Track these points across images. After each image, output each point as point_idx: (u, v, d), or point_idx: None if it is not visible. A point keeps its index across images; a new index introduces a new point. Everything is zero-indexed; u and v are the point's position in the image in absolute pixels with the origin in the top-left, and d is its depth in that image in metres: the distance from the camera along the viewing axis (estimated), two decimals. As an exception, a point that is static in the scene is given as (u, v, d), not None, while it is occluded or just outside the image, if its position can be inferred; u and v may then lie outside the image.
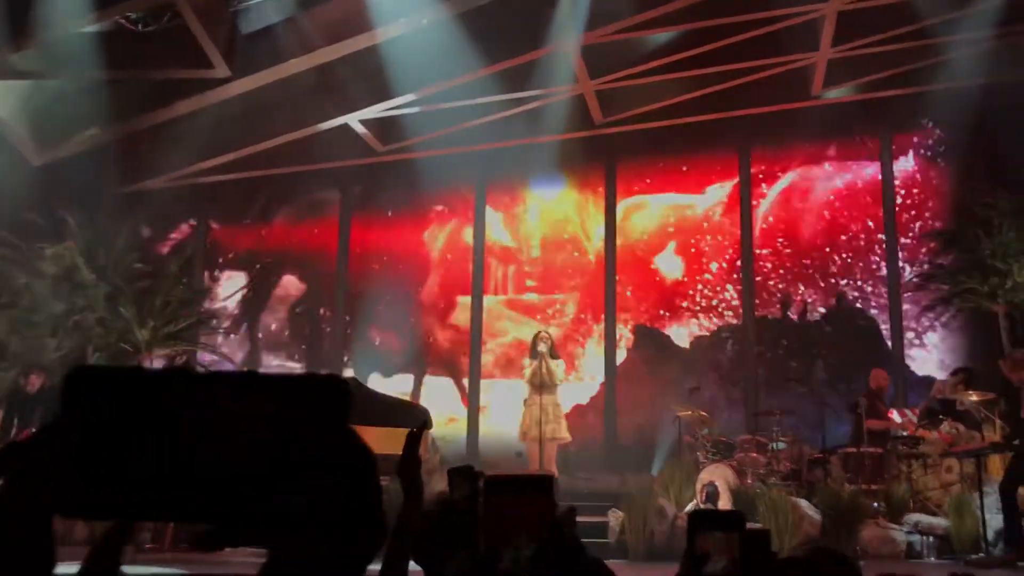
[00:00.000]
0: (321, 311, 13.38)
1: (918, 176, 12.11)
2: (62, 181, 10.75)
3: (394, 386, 12.57)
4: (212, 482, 0.69)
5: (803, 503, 8.33)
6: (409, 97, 10.94)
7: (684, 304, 12.48)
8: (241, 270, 13.73)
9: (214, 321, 12.30)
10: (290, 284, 13.65)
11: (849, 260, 12.10)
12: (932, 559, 7.98)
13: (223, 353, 12.60)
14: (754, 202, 12.43)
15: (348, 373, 12.25)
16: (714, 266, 12.50)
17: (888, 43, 10.56)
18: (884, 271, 11.88)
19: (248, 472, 0.70)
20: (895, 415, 9.61)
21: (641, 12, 9.91)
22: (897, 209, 11.95)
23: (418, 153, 12.14)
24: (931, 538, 8.14)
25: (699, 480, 8.75)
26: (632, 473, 10.00)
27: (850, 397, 9.52)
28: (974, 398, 8.87)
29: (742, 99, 11.50)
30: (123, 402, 0.71)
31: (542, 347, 8.57)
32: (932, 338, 11.58)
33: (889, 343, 11.61)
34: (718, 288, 12.43)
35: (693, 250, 12.59)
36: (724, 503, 8.28)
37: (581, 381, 12.30)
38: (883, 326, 11.77)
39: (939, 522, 8.21)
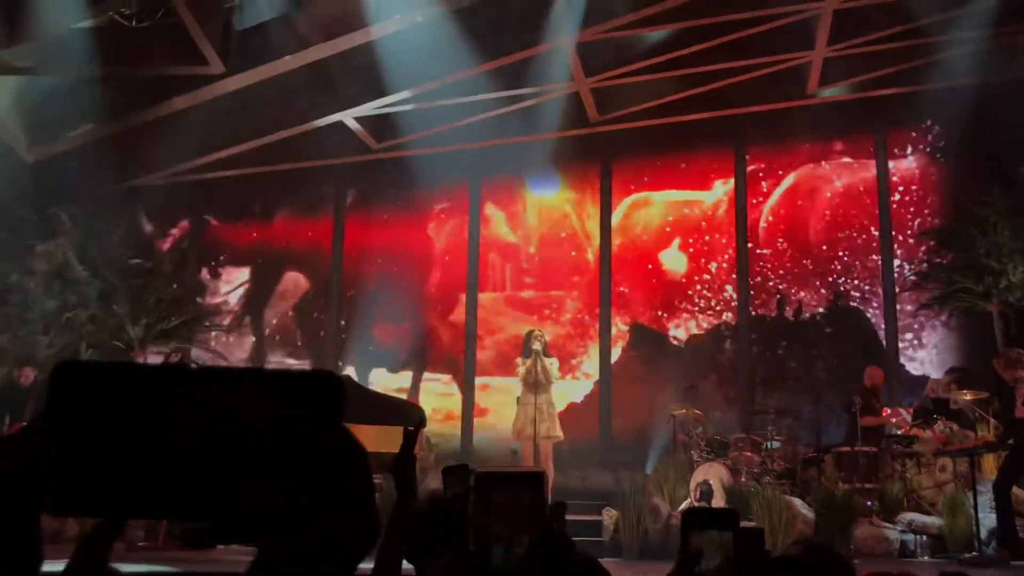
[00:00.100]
0: (323, 308, 13.35)
1: (913, 175, 12.12)
2: (55, 178, 10.71)
3: (395, 383, 12.58)
4: (203, 479, 0.68)
5: (797, 502, 8.34)
6: (404, 94, 10.92)
7: (681, 302, 12.48)
8: (242, 267, 13.71)
9: (208, 319, 12.25)
10: (292, 281, 13.62)
11: (845, 258, 12.11)
12: (925, 558, 8.00)
13: (217, 351, 12.57)
14: (755, 200, 12.43)
15: (349, 370, 12.24)
16: (713, 266, 12.50)
17: (884, 42, 10.57)
18: (880, 270, 11.89)
19: (239, 469, 0.68)
20: (889, 414, 9.62)
21: (637, 10, 9.90)
22: (893, 208, 11.96)
23: (413, 151, 12.13)
24: (924, 537, 8.16)
25: (693, 479, 8.76)
26: (626, 471, 10.00)
27: (845, 396, 9.52)
28: (968, 397, 8.89)
29: (738, 97, 11.50)
30: (110, 398, 0.70)
31: (536, 345, 8.54)
32: (927, 337, 11.59)
33: (884, 342, 11.62)
34: (716, 286, 12.44)
35: (691, 249, 12.60)
36: (718, 502, 8.28)
37: (576, 379, 12.30)
38: (878, 325, 11.78)
39: (933, 521, 8.22)
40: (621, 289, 12.64)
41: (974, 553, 7.46)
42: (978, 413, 8.93)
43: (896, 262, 11.82)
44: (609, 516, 8.62)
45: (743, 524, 1.51)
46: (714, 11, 10.00)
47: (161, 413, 0.70)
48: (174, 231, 13.49)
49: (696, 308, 12.41)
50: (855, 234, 12.13)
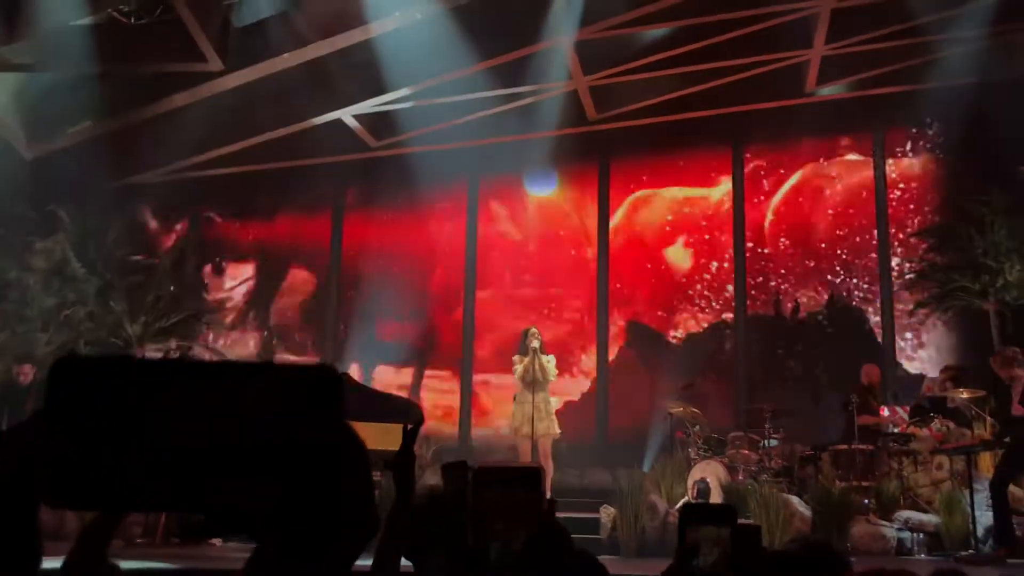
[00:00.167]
0: (327, 305, 13.34)
1: (912, 174, 12.13)
2: (54, 175, 10.70)
3: (398, 380, 12.59)
4: (200, 471, 0.69)
5: (794, 500, 8.35)
6: (403, 92, 10.91)
7: (679, 301, 12.49)
8: (245, 264, 13.71)
9: (208, 316, 12.22)
10: (296, 278, 13.63)
11: (843, 257, 12.12)
12: (922, 556, 8.01)
13: (215, 349, 12.56)
14: (752, 199, 12.43)
15: (353, 367, 12.23)
16: (711, 264, 12.51)
17: (882, 40, 10.57)
18: (877, 268, 11.90)
19: (237, 461, 0.69)
20: (886, 412, 9.63)
21: (635, 8, 9.90)
22: (890, 207, 11.97)
23: (412, 148, 12.12)
24: (921, 535, 8.18)
25: (691, 476, 8.77)
26: (624, 469, 10.01)
27: (842, 394, 9.54)
28: (964, 396, 8.91)
29: (736, 96, 11.50)
30: (109, 391, 0.70)
31: (534, 343, 8.53)
32: (924, 336, 11.61)
33: (881, 340, 11.64)
34: (714, 285, 12.45)
35: (690, 248, 12.61)
36: (715, 499, 8.29)
37: (574, 377, 12.31)
38: (876, 323, 11.80)
39: (929, 519, 8.24)
40: (619, 287, 12.65)
41: (971, 551, 7.48)
42: (975, 411, 8.95)
43: (894, 261, 11.84)
44: (607, 514, 8.62)
45: (740, 521, 1.52)
46: (712, 9, 10.01)
47: (160, 406, 0.70)
48: (177, 228, 13.48)
49: (694, 306, 12.42)
50: (853, 233, 12.14)
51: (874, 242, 11.93)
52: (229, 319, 13.15)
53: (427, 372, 12.89)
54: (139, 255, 11.33)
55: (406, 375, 12.83)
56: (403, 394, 11.85)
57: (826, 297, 12.09)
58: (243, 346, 13.25)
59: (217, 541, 8.44)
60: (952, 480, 8.57)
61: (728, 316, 12.25)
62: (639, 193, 12.98)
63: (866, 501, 8.53)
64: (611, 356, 12.44)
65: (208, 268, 13.45)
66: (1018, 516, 7.66)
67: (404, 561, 1.98)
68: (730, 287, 12.29)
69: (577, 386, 12.31)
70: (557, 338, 11.87)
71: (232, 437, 0.70)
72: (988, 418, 8.80)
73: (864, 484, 8.72)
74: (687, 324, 12.41)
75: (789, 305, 12.19)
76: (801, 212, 12.43)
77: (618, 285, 12.63)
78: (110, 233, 10.92)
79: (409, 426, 1.93)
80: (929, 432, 9.14)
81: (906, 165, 12.15)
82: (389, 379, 12.61)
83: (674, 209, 12.81)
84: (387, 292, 12.44)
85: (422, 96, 11.08)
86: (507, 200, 13.27)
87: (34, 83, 10.53)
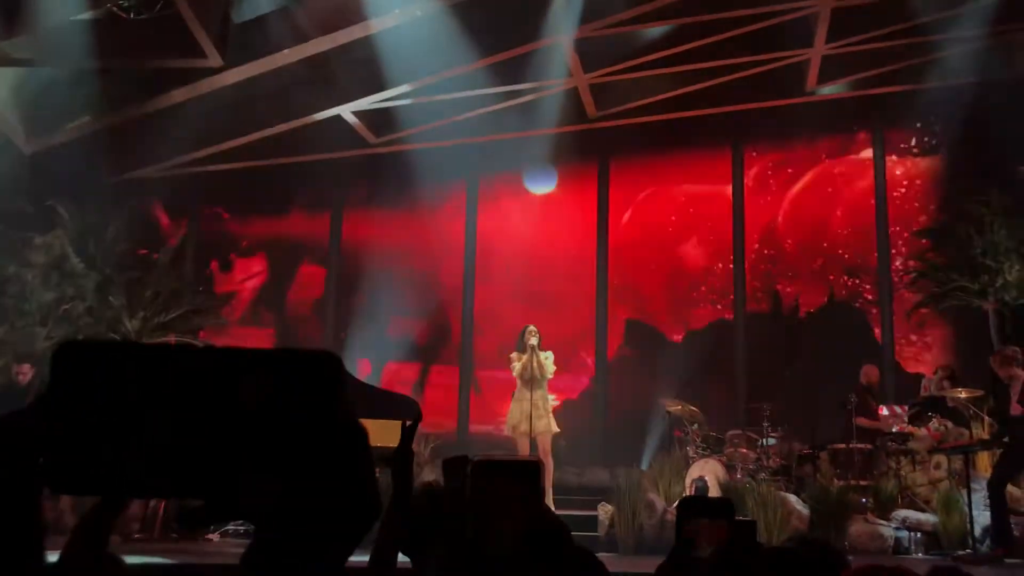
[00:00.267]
0: (329, 301, 13.33)
1: (911, 173, 12.13)
2: (53, 170, 10.69)
3: (402, 376, 12.59)
4: (201, 456, 0.69)
5: (792, 498, 8.36)
6: (402, 89, 10.91)
7: (678, 298, 12.50)
8: (254, 260, 13.71)
9: (209, 312, 12.19)
10: (308, 274, 13.64)
11: (842, 256, 12.13)
12: (920, 555, 8.02)
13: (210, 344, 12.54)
14: (751, 197, 12.43)
15: (365, 362, 12.23)
16: (710, 262, 12.51)
17: (882, 40, 10.57)
18: (876, 267, 11.91)
19: (238, 447, 0.69)
20: (885, 411, 9.64)
21: (635, 6, 9.89)
22: (890, 206, 11.98)
23: (412, 145, 12.11)
24: (919, 534, 8.19)
25: (689, 475, 8.78)
26: (622, 467, 10.01)
27: (841, 393, 9.55)
28: (963, 395, 8.92)
29: (736, 94, 11.49)
30: (111, 376, 0.71)
31: (532, 340, 8.52)
32: (923, 335, 11.61)
33: (880, 339, 11.65)
34: (713, 283, 12.46)
35: (689, 246, 12.61)
36: (713, 498, 8.30)
37: (573, 374, 12.30)
38: (875, 322, 11.80)
39: (927, 518, 8.25)
40: (619, 285, 12.65)
41: (968, 551, 7.49)
42: (973, 411, 8.96)
43: (893, 260, 11.84)
44: (605, 511, 8.63)
45: (737, 520, 1.52)
46: (712, 8, 10.01)
47: (161, 391, 0.70)
48: (177, 224, 13.47)
49: (694, 305, 12.43)
50: (852, 232, 12.15)
51: (873, 241, 11.94)
52: (238, 314, 13.16)
53: (434, 368, 12.90)
54: (138, 250, 11.32)
55: (415, 372, 12.85)
56: (409, 391, 11.89)
57: (825, 296, 12.09)
58: (254, 341, 13.22)
59: (215, 536, 8.45)
60: (950, 479, 8.58)
61: (728, 315, 12.26)
62: (638, 191, 12.97)
63: (864, 500, 8.54)
64: (610, 354, 12.44)
65: (216, 263, 13.47)
66: (1016, 516, 7.67)
67: (402, 557, 1.98)
68: (730, 286, 12.29)
69: (576, 384, 12.31)
70: (557, 336, 11.86)
71: (233, 422, 0.70)
72: (986, 418, 8.81)
73: (862, 483, 8.73)
74: (687, 322, 12.42)
75: (789, 304, 12.20)
76: (800, 211, 12.43)
77: (618, 283, 12.63)
78: (109, 228, 10.91)
79: (408, 422, 1.93)
80: (927, 431, 9.16)
81: (906, 165, 12.15)
82: (399, 376, 12.61)
83: (674, 208, 12.80)
84: (391, 289, 12.42)
85: (422, 93, 11.07)
86: (507, 197, 13.26)
87: (33, 78, 10.52)
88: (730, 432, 9.62)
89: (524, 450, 8.51)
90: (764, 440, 9.28)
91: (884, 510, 8.46)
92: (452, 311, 13.02)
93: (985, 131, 10.07)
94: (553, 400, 9.09)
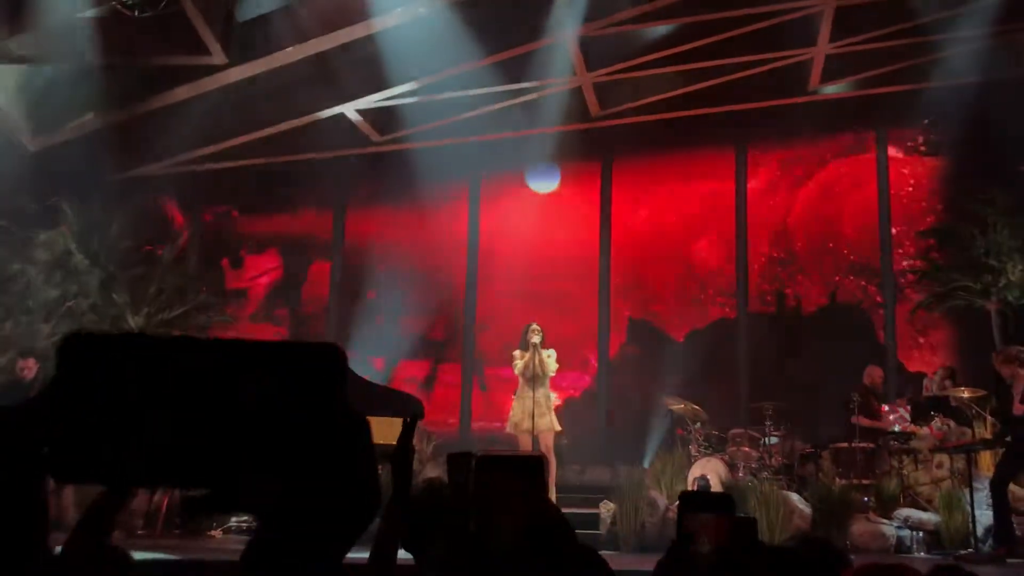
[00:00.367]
0: (338, 299, 13.34)
1: (914, 173, 12.12)
2: (57, 167, 10.71)
3: (408, 374, 12.60)
4: (205, 447, 0.70)
5: (794, 497, 8.36)
6: (406, 87, 10.91)
7: (681, 297, 12.50)
8: (264, 257, 13.73)
9: (213, 309, 12.20)
10: (317, 271, 13.66)
11: (845, 255, 12.12)
12: (922, 554, 8.02)
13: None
14: (754, 196, 12.42)
15: (373, 359, 12.25)
16: (713, 261, 12.51)
17: (885, 39, 10.56)
18: (879, 267, 11.90)
19: (242, 437, 0.70)
20: (888, 410, 9.64)
21: (639, 5, 9.89)
22: (893, 206, 11.97)
23: (415, 144, 12.10)
24: (921, 533, 8.19)
25: (691, 473, 8.80)
26: (624, 465, 10.02)
27: (843, 392, 9.55)
28: (965, 394, 8.91)
29: (739, 93, 11.48)
30: (118, 367, 0.71)
31: (535, 339, 8.53)
32: (926, 335, 11.60)
33: (883, 339, 11.64)
34: (716, 281, 12.45)
35: (692, 245, 12.61)
36: (715, 496, 8.31)
37: (576, 373, 12.31)
38: (878, 322, 11.79)
39: (929, 517, 8.25)
40: (621, 283, 12.65)
41: (970, 550, 7.49)
42: (975, 410, 8.96)
43: (896, 260, 11.83)
44: (607, 509, 8.65)
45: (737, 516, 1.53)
46: (717, 7, 10.00)
47: (166, 382, 0.71)
48: (180, 220, 13.48)
49: (696, 303, 12.43)
50: (855, 231, 12.14)
51: (876, 241, 11.93)
52: (249, 311, 13.19)
53: (444, 367, 12.92)
54: (141, 247, 11.34)
55: (425, 370, 12.87)
56: (419, 388, 11.95)
57: (828, 295, 12.08)
58: (266, 339, 13.21)
59: (217, 532, 8.48)
60: (952, 479, 8.58)
61: (730, 313, 12.25)
62: (641, 190, 12.97)
63: (866, 499, 8.54)
64: (613, 352, 12.44)
65: (225, 261, 13.49)
66: (1018, 515, 7.67)
67: (403, 553, 1.99)
68: (732, 285, 12.28)
69: (579, 382, 12.31)
70: (560, 334, 11.86)
71: (236, 413, 0.71)
72: (989, 417, 8.81)
73: (864, 482, 8.74)
74: (689, 321, 12.41)
75: (791, 303, 12.19)
76: (803, 210, 12.43)
77: (620, 281, 12.63)
78: (113, 225, 10.93)
79: (408, 420, 1.94)
80: (930, 431, 9.15)
81: (911, 165, 12.14)
82: (409, 373, 12.63)
83: (677, 207, 12.80)
84: (395, 287, 12.42)
85: (425, 92, 11.07)
86: (510, 196, 13.26)
87: (38, 76, 10.53)
88: (732, 431, 9.63)
89: (526, 448, 8.52)
90: (766, 439, 9.28)
91: (886, 509, 8.46)
92: (458, 309, 13.02)
93: (988, 131, 10.05)
94: (555, 398, 9.09)
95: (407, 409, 7.95)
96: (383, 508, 1.66)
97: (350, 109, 11.41)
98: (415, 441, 1.94)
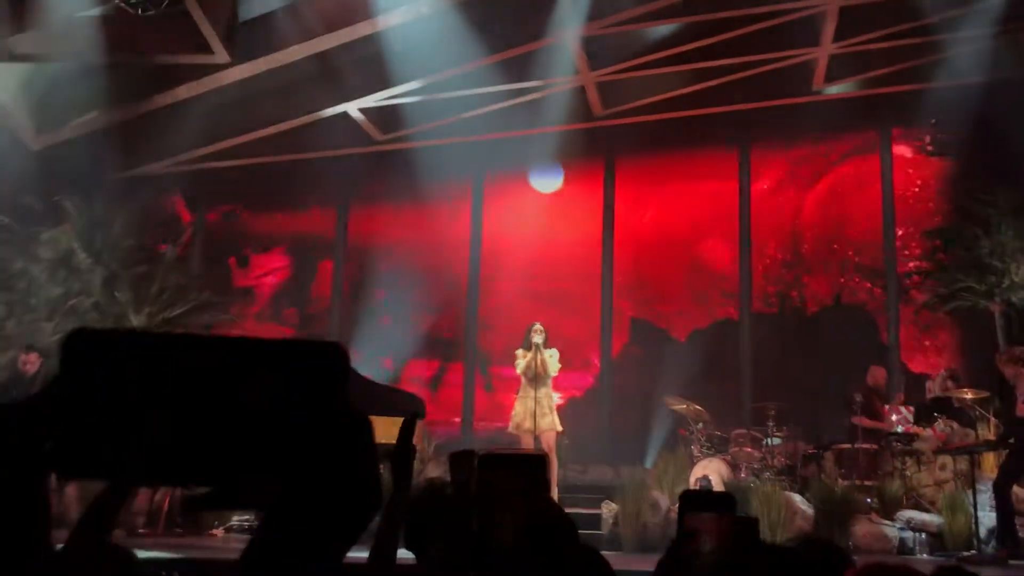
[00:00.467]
0: (340, 298, 13.35)
1: (918, 173, 12.10)
2: (60, 165, 10.73)
3: (421, 373, 12.61)
4: (207, 444, 0.70)
5: (796, 498, 8.35)
6: (408, 86, 10.91)
7: (683, 297, 12.49)
8: (271, 256, 13.74)
9: (217, 308, 12.20)
10: (325, 270, 13.67)
11: (849, 256, 12.11)
12: (924, 556, 8.01)
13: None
14: (758, 196, 12.40)
15: (384, 359, 12.26)
16: (716, 261, 12.50)
17: (890, 39, 10.54)
18: (883, 267, 11.88)
19: (243, 435, 0.70)
20: (890, 411, 9.63)
21: (642, 4, 9.88)
22: (896, 206, 11.95)
23: (418, 143, 12.10)
24: (923, 535, 8.18)
25: (693, 474, 8.79)
26: (626, 465, 10.02)
27: (846, 393, 9.54)
28: (969, 396, 8.90)
29: (742, 93, 11.46)
30: (121, 363, 0.71)
31: (537, 339, 8.53)
32: (929, 336, 11.58)
33: (887, 340, 11.62)
34: (718, 281, 12.44)
35: (695, 244, 12.60)
36: (717, 497, 8.29)
37: (578, 372, 12.30)
38: (881, 323, 11.78)
39: (932, 519, 8.24)
40: (624, 283, 12.64)
41: (973, 552, 7.48)
42: (979, 412, 8.94)
43: (900, 261, 11.81)
44: (608, 509, 8.64)
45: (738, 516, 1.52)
46: (720, 6, 9.99)
47: (169, 379, 0.71)
48: (184, 219, 13.49)
49: (699, 303, 12.41)
50: (859, 232, 12.12)
51: (880, 241, 11.91)
52: (256, 310, 13.20)
53: (451, 366, 12.92)
54: (144, 246, 11.35)
55: (432, 369, 12.87)
56: (426, 388, 11.96)
57: (832, 296, 12.07)
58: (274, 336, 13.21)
59: (219, 531, 8.48)
60: (955, 480, 8.57)
61: (733, 314, 12.24)
62: (644, 190, 12.96)
63: (868, 500, 8.53)
64: (615, 352, 12.43)
65: (232, 260, 13.51)
66: (1021, 517, 7.65)
67: (403, 552, 1.98)
68: (736, 285, 12.27)
69: (581, 382, 12.31)
70: (562, 334, 11.85)
71: (238, 410, 0.71)
72: (992, 419, 8.79)
73: (867, 483, 8.72)
74: (692, 321, 12.40)
75: (795, 304, 12.18)
76: (806, 210, 12.41)
77: (624, 282, 12.62)
78: (116, 224, 10.94)
79: (408, 419, 1.93)
80: (933, 432, 9.14)
81: (913, 165, 12.12)
82: (415, 373, 12.63)
83: (680, 206, 12.79)
84: (399, 287, 12.42)
85: (428, 90, 11.07)
86: (513, 195, 13.25)
87: (41, 73, 10.55)
88: (735, 431, 9.61)
89: (528, 446, 8.52)
90: (769, 439, 9.27)
91: (889, 510, 8.45)
92: (461, 309, 13.02)
93: (993, 131, 10.03)
94: (558, 398, 9.09)
95: (409, 408, 7.95)
96: (383, 507, 1.66)
97: (353, 108, 11.41)
98: (416, 440, 1.94)
